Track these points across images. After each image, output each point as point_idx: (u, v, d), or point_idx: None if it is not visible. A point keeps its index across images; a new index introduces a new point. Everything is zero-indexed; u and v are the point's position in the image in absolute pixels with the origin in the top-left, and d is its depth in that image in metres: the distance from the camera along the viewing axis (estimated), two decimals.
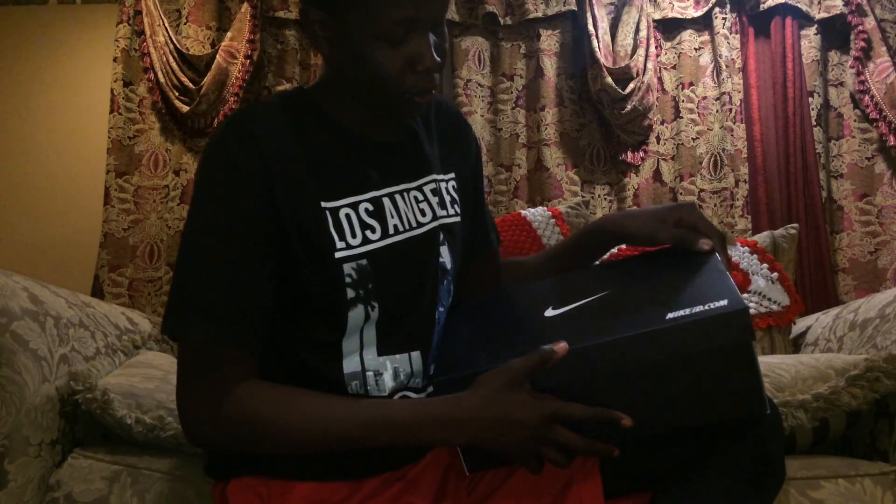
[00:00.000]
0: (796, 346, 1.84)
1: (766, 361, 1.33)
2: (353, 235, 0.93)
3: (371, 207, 0.95)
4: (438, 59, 0.91)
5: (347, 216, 0.93)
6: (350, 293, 0.92)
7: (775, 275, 1.88)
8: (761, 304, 1.85)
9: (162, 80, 2.61)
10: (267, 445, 0.89)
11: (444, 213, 1.03)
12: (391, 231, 0.96)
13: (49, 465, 1.23)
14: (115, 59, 2.67)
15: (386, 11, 0.86)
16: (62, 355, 1.28)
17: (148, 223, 2.61)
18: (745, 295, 1.86)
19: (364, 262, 0.92)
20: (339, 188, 0.94)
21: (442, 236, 1.02)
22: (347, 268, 0.92)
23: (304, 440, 0.87)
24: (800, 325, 1.88)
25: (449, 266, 1.03)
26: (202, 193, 0.92)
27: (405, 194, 1.00)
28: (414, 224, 0.99)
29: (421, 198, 1.01)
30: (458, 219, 1.06)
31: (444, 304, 1.02)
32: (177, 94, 2.60)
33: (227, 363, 0.88)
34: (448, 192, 1.06)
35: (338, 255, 0.91)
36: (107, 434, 1.33)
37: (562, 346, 0.84)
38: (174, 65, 2.61)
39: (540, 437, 0.83)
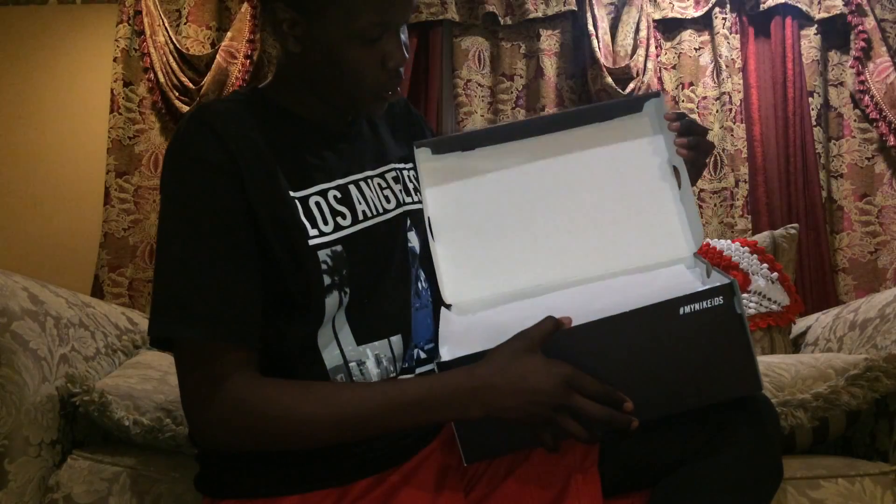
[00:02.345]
0: (796, 346, 1.84)
1: (766, 361, 1.33)
2: (325, 223, 0.93)
3: (339, 195, 0.96)
4: (406, 56, 0.95)
5: (318, 204, 0.94)
6: (326, 280, 0.92)
7: (775, 275, 1.88)
8: (761, 304, 1.85)
9: (162, 80, 2.61)
10: (279, 439, 0.87)
11: (409, 199, 1.06)
12: (360, 217, 0.97)
13: (49, 464, 1.23)
14: (115, 59, 2.67)
15: (364, 12, 0.89)
16: (62, 355, 1.28)
17: (148, 223, 2.61)
18: (745, 295, 1.86)
19: (339, 248, 0.93)
20: (306, 177, 0.95)
21: (409, 222, 1.05)
22: (322, 255, 0.92)
23: (316, 431, 0.86)
24: (800, 325, 1.88)
25: (418, 251, 1.05)
26: (173, 194, 0.91)
27: (369, 181, 1.01)
28: (381, 210, 1.00)
29: (384, 185, 1.03)
30: (421, 205, 1.08)
31: (414, 287, 1.03)
32: (177, 94, 2.61)
33: (227, 361, 0.87)
34: (410, 181, 1.08)
35: (311, 242, 0.92)
36: (107, 434, 1.33)
37: (567, 319, 0.85)
38: (174, 65, 2.61)
39: (557, 404, 0.82)
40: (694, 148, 0.99)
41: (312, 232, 0.92)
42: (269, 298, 0.92)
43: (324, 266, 0.92)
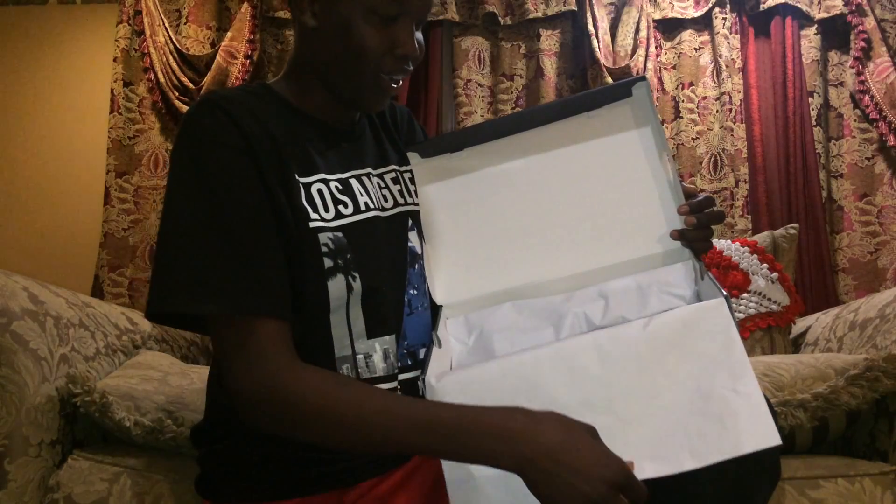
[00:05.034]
0: (796, 346, 1.84)
1: (765, 361, 1.33)
2: (326, 210, 0.94)
3: (340, 186, 0.98)
4: (417, 51, 0.96)
5: (320, 191, 0.95)
6: (328, 262, 0.92)
7: (775, 275, 1.88)
8: (761, 304, 1.85)
9: (162, 80, 2.61)
10: (308, 431, 0.85)
11: (408, 200, 1.07)
12: (363, 207, 0.98)
13: (49, 465, 1.23)
14: (115, 59, 2.67)
15: None
16: (62, 355, 1.28)
17: (148, 223, 2.61)
18: (745, 295, 1.86)
19: (340, 234, 0.94)
20: (311, 165, 0.96)
21: (410, 222, 1.06)
22: (324, 237, 0.93)
23: (345, 433, 0.83)
24: (800, 325, 1.88)
25: (419, 251, 1.06)
26: (191, 175, 0.90)
27: (370, 177, 1.03)
28: (380, 206, 1.02)
29: (383, 185, 1.05)
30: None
31: (414, 286, 1.04)
32: (177, 94, 2.61)
33: (264, 335, 0.86)
34: (412, 182, 1.10)
35: (312, 224, 0.92)
36: (107, 434, 1.33)
37: (630, 464, 0.79)
38: (174, 65, 2.61)
39: (602, 499, 0.73)
40: (703, 224, 0.99)
41: (314, 215, 0.93)
42: None
43: (324, 249, 0.92)
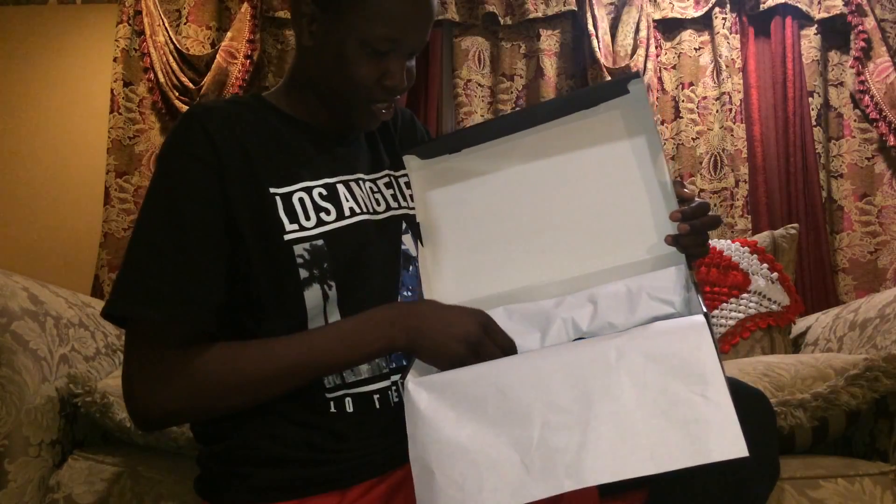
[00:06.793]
0: (796, 346, 1.84)
1: (765, 361, 1.33)
2: (308, 218, 0.96)
3: (325, 192, 0.99)
4: (406, 83, 1.00)
5: (301, 200, 0.96)
6: (303, 273, 0.94)
7: (775, 275, 1.88)
8: (761, 304, 1.85)
9: (162, 80, 2.61)
10: (220, 400, 0.89)
11: (405, 203, 1.08)
12: (347, 213, 0.99)
13: (49, 465, 1.23)
14: (115, 59, 2.67)
15: (380, 25, 0.94)
16: (62, 355, 1.28)
17: None
18: (745, 295, 1.86)
19: (320, 242, 0.95)
20: (292, 174, 0.97)
21: (404, 225, 1.06)
22: (299, 248, 0.94)
23: (255, 384, 0.89)
24: (800, 325, 1.88)
25: (413, 254, 1.07)
26: (155, 181, 0.94)
27: (361, 183, 1.04)
28: (370, 210, 1.02)
29: (375, 189, 1.06)
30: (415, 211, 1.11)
31: (409, 288, 1.05)
32: (177, 94, 2.61)
33: (177, 341, 0.89)
34: (407, 186, 1.11)
35: (287, 237, 0.94)
36: (107, 434, 1.33)
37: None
38: (174, 65, 2.61)
39: (473, 342, 0.89)
40: (697, 231, 0.98)
41: (291, 227, 0.94)
42: (250, 298, 0.94)
43: (300, 260, 0.94)
